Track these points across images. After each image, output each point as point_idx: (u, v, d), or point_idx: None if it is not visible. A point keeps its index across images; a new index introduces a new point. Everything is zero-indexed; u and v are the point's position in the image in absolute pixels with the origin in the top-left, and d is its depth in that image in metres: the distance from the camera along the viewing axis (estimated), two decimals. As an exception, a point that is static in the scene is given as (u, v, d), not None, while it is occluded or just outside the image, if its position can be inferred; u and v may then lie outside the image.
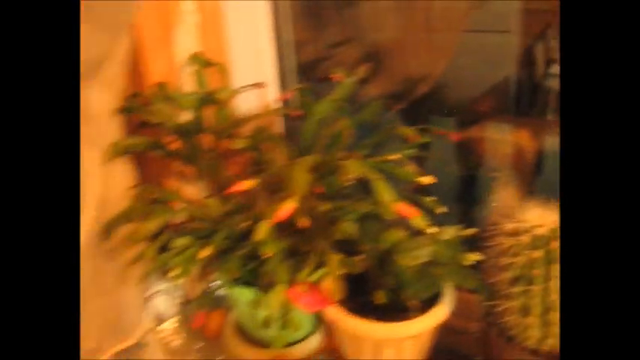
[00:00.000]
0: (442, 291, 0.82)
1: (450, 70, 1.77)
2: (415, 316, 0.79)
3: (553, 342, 0.74)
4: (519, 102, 2.02)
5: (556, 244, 0.69)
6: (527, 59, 1.90)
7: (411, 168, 0.79)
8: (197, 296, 1.02)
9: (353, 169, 0.73)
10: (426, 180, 0.80)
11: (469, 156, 1.21)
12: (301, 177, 0.71)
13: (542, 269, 0.70)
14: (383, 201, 0.71)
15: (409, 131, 0.77)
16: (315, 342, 0.96)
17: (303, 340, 0.96)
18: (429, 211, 0.83)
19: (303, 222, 0.73)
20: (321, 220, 0.80)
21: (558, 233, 0.70)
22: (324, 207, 0.79)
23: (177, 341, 1.00)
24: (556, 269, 0.70)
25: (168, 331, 1.02)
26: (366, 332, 0.80)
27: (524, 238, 0.71)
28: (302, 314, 0.85)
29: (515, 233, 0.72)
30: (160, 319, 1.02)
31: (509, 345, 0.76)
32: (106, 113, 0.74)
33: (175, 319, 1.05)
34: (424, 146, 0.86)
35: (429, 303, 0.81)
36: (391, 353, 0.82)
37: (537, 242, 0.70)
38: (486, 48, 2.09)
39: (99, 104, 0.71)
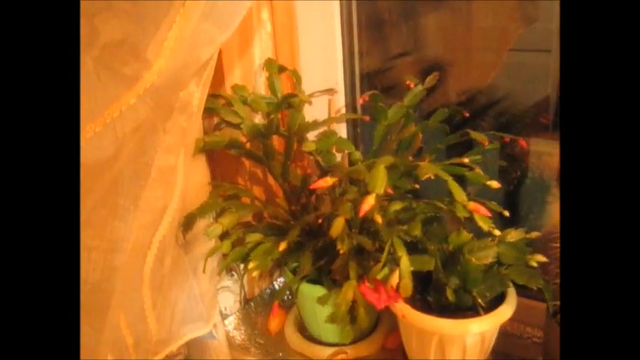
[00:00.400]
0: (506, 292, 0.85)
1: (493, 87, 1.80)
2: (480, 315, 0.82)
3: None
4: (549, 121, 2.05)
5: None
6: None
7: (479, 172, 0.82)
8: (263, 292, 1.06)
9: (427, 170, 0.77)
10: (494, 184, 0.83)
11: (522, 164, 1.24)
12: (381, 175, 0.75)
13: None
14: (457, 200, 0.75)
15: (481, 137, 0.81)
16: (375, 341, 0.99)
17: (363, 338, 0.99)
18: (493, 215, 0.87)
19: (378, 218, 0.77)
20: (392, 219, 0.83)
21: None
22: (395, 206, 0.82)
23: (239, 337, 1.04)
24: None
25: (231, 327, 1.06)
26: (433, 328, 0.82)
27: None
28: (367, 311, 0.88)
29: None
30: (224, 315, 1.05)
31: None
32: (201, 110, 0.78)
33: (237, 315, 1.08)
34: (487, 153, 0.89)
35: (494, 303, 0.84)
36: (455, 351, 0.84)
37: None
38: (528, 67, 2.12)
39: (199, 102, 0.76)
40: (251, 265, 0.83)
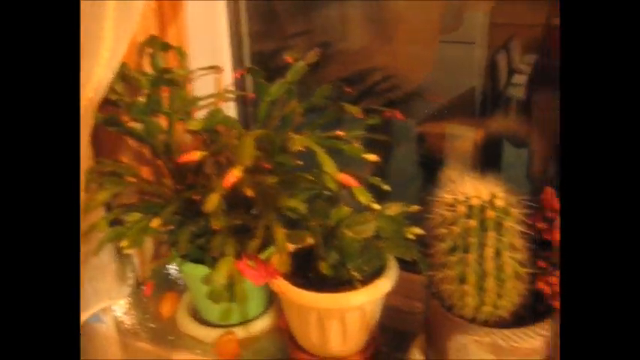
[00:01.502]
0: (386, 265, 0.85)
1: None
2: (358, 288, 0.82)
3: (488, 309, 0.77)
4: (483, 111, 2.09)
5: (491, 214, 0.73)
6: (491, 70, 1.97)
7: (357, 145, 0.82)
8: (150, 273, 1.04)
9: (298, 143, 0.76)
10: (371, 157, 0.83)
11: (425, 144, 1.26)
12: (247, 147, 0.73)
13: (477, 238, 0.73)
14: (326, 171, 0.74)
15: (354, 109, 0.81)
16: (266, 321, 0.98)
17: (254, 319, 0.98)
18: (375, 189, 0.87)
19: (248, 191, 0.76)
20: (268, 194, 0.82)
21: (493, 203, 0.73)
22: (271, 180, 0.81)
23: (129, 321, 1.01)
24: (490, 237, 0.73)
25: (121, 311, 1.03)
26: (311, 303, 0.82)
27: (461, 209, 0.74)
28: (250, 289, 0.87)
29: (452, 205, 0.75)
30: (114, 298, 1.03)
31: (448, 314, 0.79)
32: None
33: (128, 299, 1.06)
34: (377, 129, 0.89)
35: (373, 276, 0.84)
36: (335, 326, 0.84)
37: (472, 212, 0.74)
38: (453, 59, 2.16)
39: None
40: (124, 242, 0.81)
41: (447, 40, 2.11)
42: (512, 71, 1.76)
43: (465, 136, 1.37)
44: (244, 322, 0.97)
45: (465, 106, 2.23)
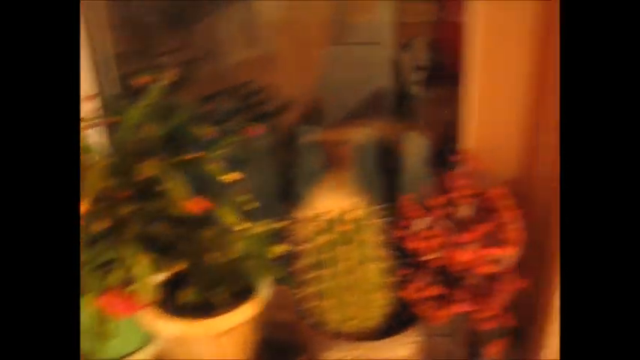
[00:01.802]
0: (256, 285, 0.84)
1: (324, 83, 1.83)
2: (225, 312, 0.80)
3: (354, 323, 0.77)
4: (390, 109, 2.11)
5: (345, 227, 0.72)
6: (396, 69, 1.99)
7: (217, 165, 0.80)
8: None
9: (148, 170, 0.74)
10: (233, 177, 0.81)
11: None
12: (90, 179, 0.71)
13: (334, 252, 0.73)
14: (173, 198, 0.72)
15: (205, 129, 0.79)
16: (146, 354, 0.95)
17: (134, 352, 0.95)
18: (242, 209, 0.85)
19: (97, 226, 0.73)
20: (125, 223, 0.80)
21: (348, 216, 0.73)
22: (126, 209, 0.79)
23: None
24: (347, 251, 0.72)
25: None
26: (180, 332, 0.80)
27: (317, 224, 0.73)
28: (124, 323, 0.84)
29: (311, 220, 0.75)
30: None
31: (316, 331, 0.78)
32: None
33: None
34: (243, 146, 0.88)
35: (244, 298, 0.82)
36: (210, 351, 0.82)
37: (328, 227, 0.73)
38: (360, 60, 2.18)
39: None
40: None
41: (352, 42, 2.13)
42: (417, 69, 1.79)
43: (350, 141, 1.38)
44: (124, 356, 0.93)
45: (375, 107, 2.26)
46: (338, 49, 1.58)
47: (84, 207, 0.70)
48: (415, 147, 1.45)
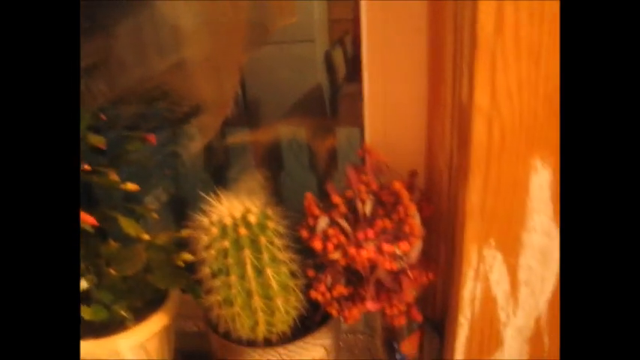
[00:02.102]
0: (163, 296, 0.81)
1: (261, 82, 1.81)
2: (132, 327, 0.77)
3: (263, 328, 0.75)
4: (324, 107, 2.11)
5: (243, 231, 0.70)
6: (328, 66, 1.99)
7: (113, 176, 0.78)
8: None
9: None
10: (132, 187, 0.79)
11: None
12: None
13: (234, 258, 0.71)
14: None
15: (98, 140, 0.76)
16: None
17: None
18: (143, 218, 0.83)
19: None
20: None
21: (246, 220, 0.71)
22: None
23: None
24: (247, 256, 0.71)
25: None
26: (87, 354, 0.77)
27: (215, 230, 0.71)
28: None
29: (209, 227, 0.72)
30: None
31: (222, 340, 0.76)
32: None
33: None
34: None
35: (151, 310, 0.80)
36: (120, 369, 0.79)
37: (226, 232, 0.71)
38: (293, 58, 2.17)
39: None
40: None
41: (286, 40, 2.12)
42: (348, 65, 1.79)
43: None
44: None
45: (310, 106, 2.25)
46: (270, 48, 1.56)
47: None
48: (345, 144, 1.44)
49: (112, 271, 0.77)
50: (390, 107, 0.81)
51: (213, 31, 1.19)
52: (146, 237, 0.78)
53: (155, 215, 0.80)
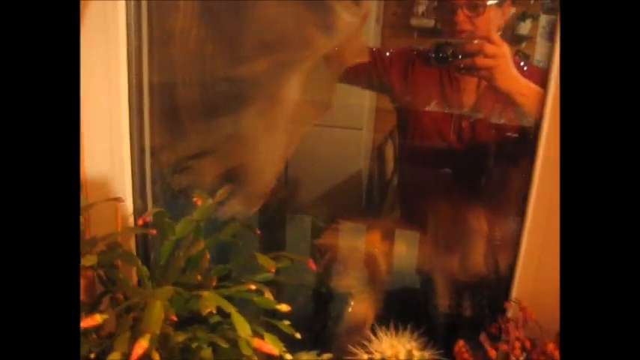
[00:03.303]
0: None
1: (304, 165, 1.84)
2: None
3: None
4: (370, 197, 2.13)
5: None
6: (378, 155, 2.03)
7: (268, 296, 0.79)
8: None
9: (210, 303, 0.72)
10: (284, 308, 0.81)
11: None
12: (157, 313, 0.68)
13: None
14: (241, 336, 0.71)
15: (265, 260, 0.78)
16: None
17: None
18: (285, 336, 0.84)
19: (156, 356, 0.70)
20: (175, 350, 0.77)
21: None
22: (179, 337, 0.76)
23: None
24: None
25: None
26: None
27: (378, 368, 0.73)
28: None
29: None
30: None
31: None
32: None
33: None
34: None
35: None
36: None
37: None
38: (342, 143, 2.22)
39: None
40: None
41: (335, 124, 2.17)
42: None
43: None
44: None
45: (351, 192, 2.28)
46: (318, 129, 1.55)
47: (144, 344, 0.67)
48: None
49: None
50: (547, 252, 0.83)
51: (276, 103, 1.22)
52: (289, 357, 0.79)
53: (297, 335, 0.81)
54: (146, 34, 0.97)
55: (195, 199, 0.85)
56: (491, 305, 1.08)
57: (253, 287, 0.77)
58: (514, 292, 0.86)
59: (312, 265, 0.84)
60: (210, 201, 0.86)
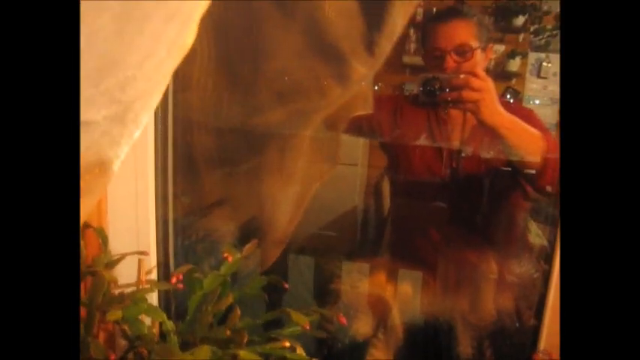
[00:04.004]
0: None
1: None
2: None
3: None
4: (366, 233, 2.15)
5: None
6: (376, 193, 2.04)
7: (300, 352, 0.80)
8: None
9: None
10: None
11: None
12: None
13: None
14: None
15: (299, 317, 0.79)
16: None
17: None
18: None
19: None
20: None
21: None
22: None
23: None
24: None
25: None
26: None
27: None
28: None
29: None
30: None
31: None
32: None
33: None
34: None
35: None
36: None
37: None
38: (337, 179, 2.23)
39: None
40: None
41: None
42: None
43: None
44: None
45: (346, 226, 2.29)
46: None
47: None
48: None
49: None
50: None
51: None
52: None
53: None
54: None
55: (225, 254, 0.86)
56: (514, 355, 1.09)
57: (287, 344, 0.78)
58: (542, 342, 0.88)
59: (343, 320, 0.85)
60: (238, 256, 0.87)
